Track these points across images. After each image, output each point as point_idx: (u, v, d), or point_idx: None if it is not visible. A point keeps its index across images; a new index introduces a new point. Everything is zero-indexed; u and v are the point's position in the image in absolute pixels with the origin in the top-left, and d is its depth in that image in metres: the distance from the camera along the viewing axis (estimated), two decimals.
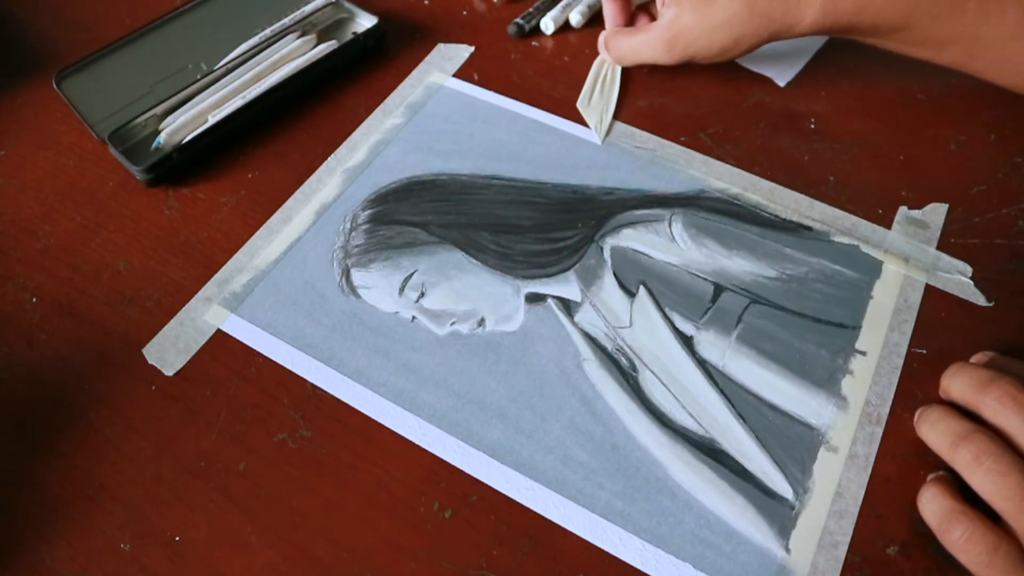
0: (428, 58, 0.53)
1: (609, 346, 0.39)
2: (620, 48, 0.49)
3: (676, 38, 0.45)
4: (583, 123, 0.48)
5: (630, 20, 0.51)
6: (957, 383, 0.35)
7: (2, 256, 0.43)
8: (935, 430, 0.34)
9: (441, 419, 0.37)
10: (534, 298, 0.40)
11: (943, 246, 0.42)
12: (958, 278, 0.41)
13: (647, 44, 0.47)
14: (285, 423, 0.37)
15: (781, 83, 0.51)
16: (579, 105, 0.49)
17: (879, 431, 0.36)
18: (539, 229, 0.43)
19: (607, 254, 0.42)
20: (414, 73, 0.52)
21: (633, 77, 0.51)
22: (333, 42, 0.52)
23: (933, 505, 0.32)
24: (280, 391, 0.38)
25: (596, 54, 0.53)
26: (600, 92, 0.49)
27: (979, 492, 0.32)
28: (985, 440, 0.32)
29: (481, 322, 0.40)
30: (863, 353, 0.38)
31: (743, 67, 0.52)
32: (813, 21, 0.43)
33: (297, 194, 0.45)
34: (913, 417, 0.36)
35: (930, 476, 0.34)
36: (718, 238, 0.43)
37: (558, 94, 0.50)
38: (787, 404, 0.37)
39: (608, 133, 0.47)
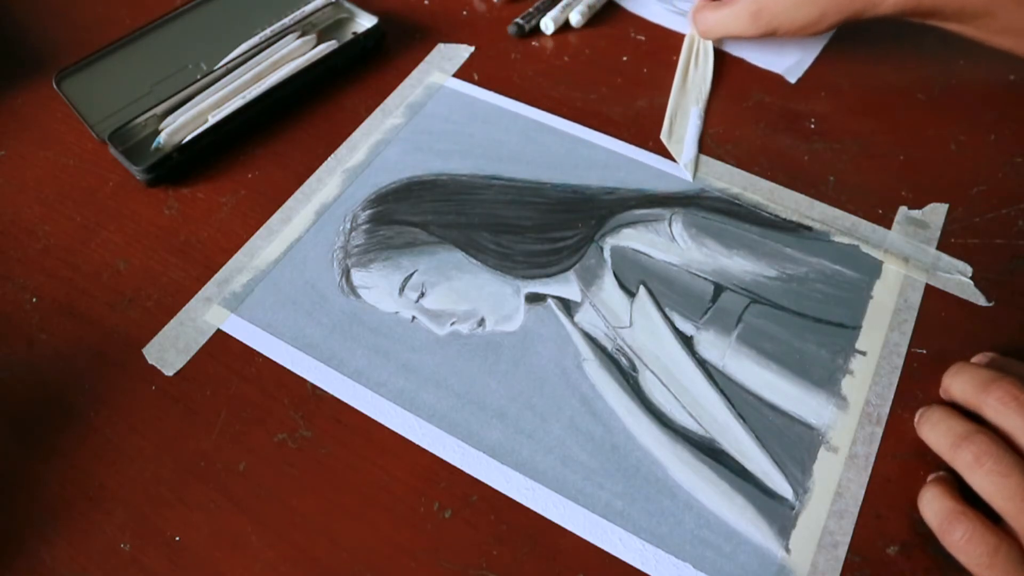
0: (428, 58, 0.53)
1: (609, 346, 0.39)
2: (707, 21, 0.50)
3: (761, 11, 0.46)
4: (583, 123, 0.48)
5: None
6: (958, 383, 0.35)
7: (2, 256, 0.43)
8: (936, 430, 0.34)
9: (441, 419, 0.37)
10: (534, 298, 0.40)
11: (943, 246, 0.42)
12: (958, 278, 0.41)
13: (733, 17, 0.48)
14: (285, 423, 0.37)
15: (792, 80, 0.51)
16: (663, 136, 0.47)
17: (879, 431, 0.36)
18: (539, 229, 0.43)
19: (607, 254, 0.42)
20: (414, 73, 0.52)
21: (633, 76, 0.51)
22: (333, 42, 0.52)
23: (934, 506, 0.32)
24: (280, 391, 0.38)
25: (596, 54, 0.53)
26: (695, 66, 0.49)
27: (980, 493, 0.32)
28: (986, 441, 0.32)
29: (481, 322, 0.40)
30: (863, 353, 0.38)
31: (744, 67, 0.52)
32: (896, 0, 0.43)
33: (297, 194, 0.45)
34: (913, 417, 0.36)
35: (930, 476, 0.34)
36: (718, 238, 0.43)
37: (558, 94, 0.50)
38: (787, 404, 0.37)
39: (697, 167, 0.46)
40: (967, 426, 0.33)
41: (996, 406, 0.32)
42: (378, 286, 0.41)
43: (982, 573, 0.30)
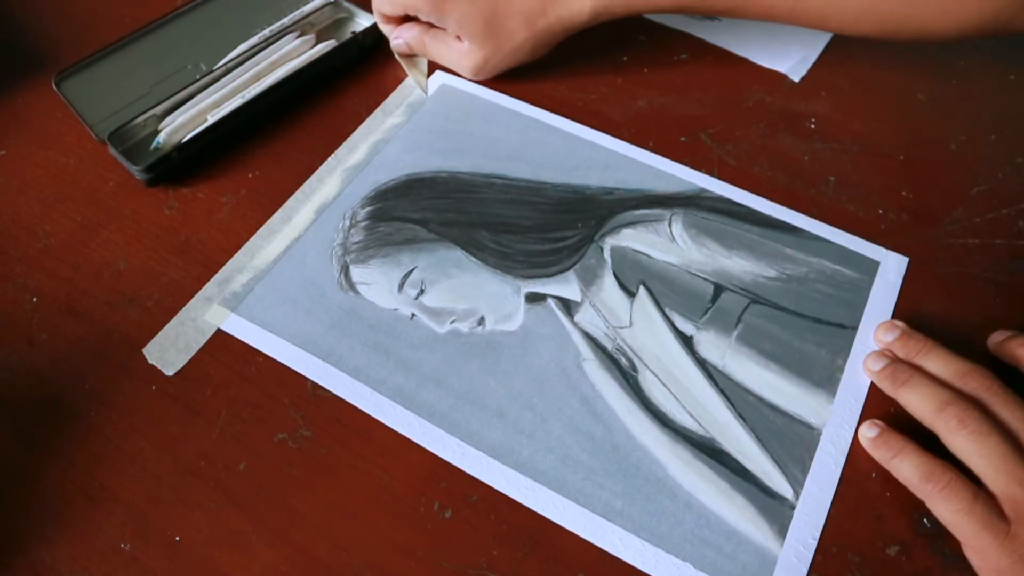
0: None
1: (609, 346, 0.39)
2: (434, 50, 0.50)
3: (480, 69, 0.49)
4: (583, 123, 0.48)
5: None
6: (915, 399, 0.35)
7: (2, 256, 0.43)
8: (920, 394, 0.35)
9: (441, 418, 0.37)
10: (534, 298, 0.40)
11: (943, 246, 0.43)
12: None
13: (456, 64, 0.50)
14: (285, 423, 0.37)
15: (796, 78, 0.51)
16: None
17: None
18: (539, 229, 0.43)
19: (607, 254, 0.42)
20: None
21: (633, 76, 0.51)
22: (332, 41, 0.52)
23: (912, 460, 0.33)
24: (280, 391, 0.38)
25: (596, 54, 0.53)
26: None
27: (959, 454, 0.33)
28: (968, 405, 0.33)
29: (481, 321, 0.40)
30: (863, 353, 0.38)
31: (744, 66, 0.52)
32: (591, 15, 0.46)
33: (297, 193, 0.45)
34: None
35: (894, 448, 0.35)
36: (718, 238, 0.43)
37: (558, 94, 0.50)
38: (787, 404, 0.37)
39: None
40: (948, 392, 0.34)
41: (952, 426, 0.33)
42: (377, 282, 0.41)
43: (961, 520, 0.31)
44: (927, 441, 0.34)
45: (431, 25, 0.49)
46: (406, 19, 0.49)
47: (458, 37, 0.48)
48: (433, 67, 0.51)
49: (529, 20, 0.46)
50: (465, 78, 0.50)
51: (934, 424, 0.34)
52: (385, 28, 0.50)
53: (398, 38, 0.50)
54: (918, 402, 0.35)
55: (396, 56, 0.50)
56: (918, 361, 0.37)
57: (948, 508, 0.32)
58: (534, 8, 0.46)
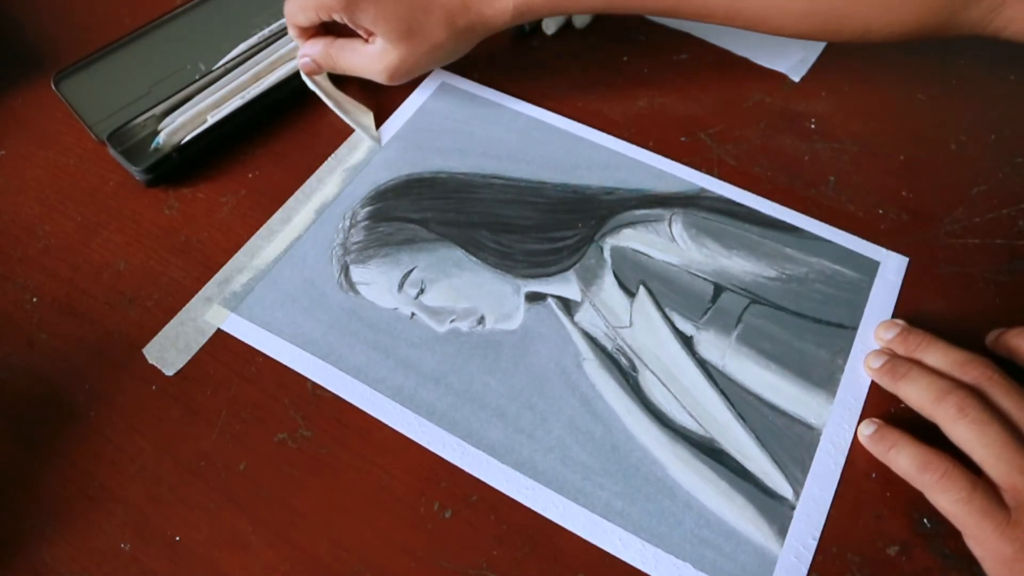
0: None
1: (609, 346, 0.39)
2: (348, 60, 0.46)
3: (396, 71, 0.45)
4: (583, 123, 0.48)
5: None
6: (914, 390, 0.35)
7: (2, 256, 0.43)
8: (917, 386, 0.35)
9: (441, 417, 0.37)
10: (534, 297, 0.41)
11: (943, 246, 0.43)
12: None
13: (369, 70, 0.45)
14: (285, 423, 0.37)
15: (796, 78, 0.51)
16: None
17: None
18: (539, 229, 0.43)
19: (607, 254, 0.42)
20: None
21: (633, 76, 0.51)
22: None
23: (909, 451, 0.33)
24: (280, 391, 0.38)
25: (596, 54, 0.53)
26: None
27: (960, 443, 0.33)
28: (967, 393, 0.33)
29: (481, 320, 0.40)
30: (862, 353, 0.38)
31: (744, 66, 0.52)
32: (514, 14, 0.44)
33: (297, 193, 0.45)
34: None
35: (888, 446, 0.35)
36: (718, 238, 0.43)
37: (558, 94, 0.50)
38: (787, 404, 0.37)
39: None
40: (947, 382, 0.34)
41: (952, 413, 0.33)
42: (377, 282, 0.41)
43: (961, 510, 0.31)
44: (930, 439, 0.34)
45: (335, 38, 0.46)
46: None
47: (367, 40, 0.45)
48: (410, 88, 0.51)
49: (450, 17, 0.43)
50: (379, 83, 0.46)
51: (934, 414, 0.34)
52: (299, 43, 0.47)
53: (304, 56, 0.46)
54: (917, 393, 0.35)
55: (314, 90, 0.47)
56: (917, 355, 0.37)
57: (947, 498, 0.32)
58: (455, 5, 0.43)
